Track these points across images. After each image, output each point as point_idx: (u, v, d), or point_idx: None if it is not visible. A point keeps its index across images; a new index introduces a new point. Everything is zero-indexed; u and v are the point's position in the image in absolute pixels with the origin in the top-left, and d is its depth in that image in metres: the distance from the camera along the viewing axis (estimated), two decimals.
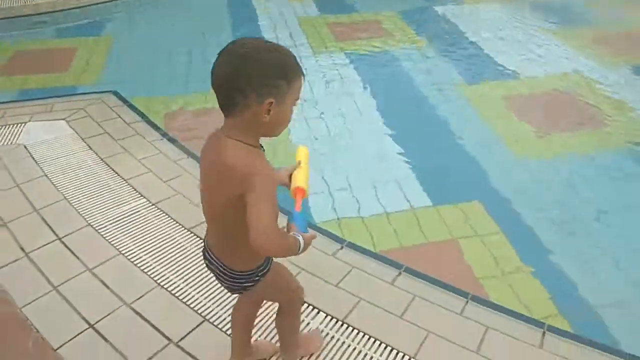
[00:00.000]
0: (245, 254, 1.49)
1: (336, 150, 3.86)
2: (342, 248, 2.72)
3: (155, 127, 3.79)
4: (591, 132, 4.11)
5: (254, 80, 1.27)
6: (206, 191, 1.50)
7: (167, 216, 2.86)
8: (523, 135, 4.08)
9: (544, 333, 2.25)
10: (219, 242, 1.55)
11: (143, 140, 3.60)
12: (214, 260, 1.58)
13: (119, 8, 6.49)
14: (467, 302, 2.41)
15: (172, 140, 3.65)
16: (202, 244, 1.67)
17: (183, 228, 2.78)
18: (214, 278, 1.66)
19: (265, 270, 1.59)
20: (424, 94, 4.73)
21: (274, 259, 1.66)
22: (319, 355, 2.09)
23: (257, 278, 1.57)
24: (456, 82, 4.94)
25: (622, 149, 3.92)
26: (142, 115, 3.94)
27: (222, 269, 1.56)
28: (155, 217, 2.86)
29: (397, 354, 2.11)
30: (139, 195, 3.02)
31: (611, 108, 4.45)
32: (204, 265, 1.67)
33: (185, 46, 5.65)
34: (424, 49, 5.66)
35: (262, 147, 1.43)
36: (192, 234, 2.74)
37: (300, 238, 1.42)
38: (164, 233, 2.74)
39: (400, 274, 2.56)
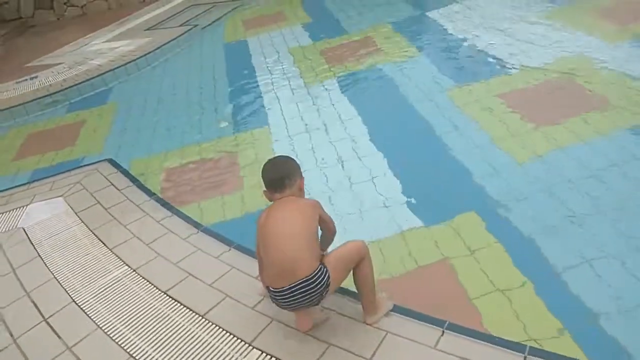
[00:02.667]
0: (316, 253, 2.17)
1: (323, 178, 3.80)
2: None
3: (145, 190, 3.89)
4: (595, 118, 3.80)
5: (293, 173, 2.37)
6: (287, 235, 2.15)
7: (145, 281, 2.89)
8: (519, 133, 3.85)
9: (525, 358, 2.06)
10: (298, 267, 2.09)
11: (131, 205, 3.69)
12: (298, 287, 2.08)
13: (121, 75, 6.78)
14: (442, 332, 2.26)
15: (159, 200, 3.73)
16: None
17: (160, 291, 2.80)
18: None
19: (325, 267, 2.15)
20: (415, 106, 4.58)
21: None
22: None
23: (325, 269, 2.13)
24: (448, 87, 4.77)
25: (629, 131, 3.60)
26: (133, 180, 4.06)
27: (307, 285, 2.09)
28: (134, 283, 2.90)
29: None
30: (122, 263, 3.08)
31: (614, 87, 4.14)
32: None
33: (185, 102, 5.84)
34: (416, 58, 5.53)
35: None
36: (168, 297, 2.75)
37: None
38: (141, 300, 2.77)
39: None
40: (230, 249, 3.04)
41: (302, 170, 2.47)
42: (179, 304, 2.68)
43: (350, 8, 7.83)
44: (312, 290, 2.09)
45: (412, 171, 3.74)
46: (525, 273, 2.67)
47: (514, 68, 4.81)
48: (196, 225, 3.34)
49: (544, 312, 2.45)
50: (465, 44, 5.62)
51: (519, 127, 3.91)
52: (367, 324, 2.34)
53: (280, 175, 2.33)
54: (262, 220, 2.29)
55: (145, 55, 7.10)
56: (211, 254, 3.01)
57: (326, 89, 5.31)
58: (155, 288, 2.83)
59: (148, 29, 8.43)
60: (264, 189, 2.38)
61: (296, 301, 2.12)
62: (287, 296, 2.11)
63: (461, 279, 2.72)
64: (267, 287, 2.22)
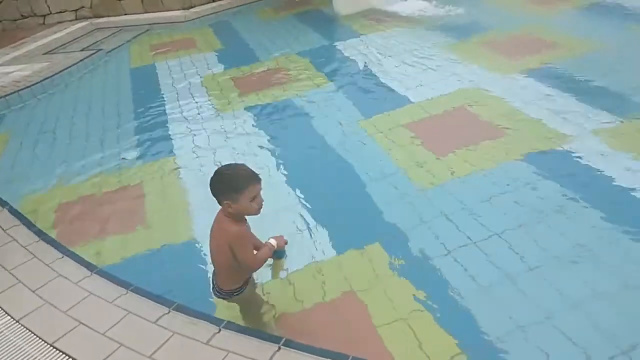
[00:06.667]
0: (231, 278, 2.48)
1: None
2: (219, 331, 2.53)
3: (34, 229, 3.58)
4: (489, 147, 4.05)
5: (218, 193, 2.32)
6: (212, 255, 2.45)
7: (29, 333, 2.63)
8: (423, 161, 4.01)
9: None
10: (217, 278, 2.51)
11: (17, 246, 3.38)
12: (214, 287, 2.52)
13: (14, 102, 6.28)
14: None
15: (49, 240, 3.45)
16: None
17: (45, 344, 2.55)
18: None
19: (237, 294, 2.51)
20: (326, 136, 4.65)
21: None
22: None
23: (235, 295, 2.50)
24: (357, 117, 4.89)
25: (520, 159, 3.86)
26: (21, 218, 3.72)
27: (216, 291, 2.52)
28: (16, 336, 2.63)
29: None
30: (3, 314, 2.79)
31: (506, 117, 4.46)
32: None
33: (85, 131, 5.50)
34: (325, 88, 5.63)
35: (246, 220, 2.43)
36: (55, 350, 2.51)
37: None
38: (24, 354, 2.51)
39: (279, 349, 2.38)
40: (127, 292, 2.85)
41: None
42: (66, 357, 2.46)
43: (262, 36, 7.88)
44: (218, 295, 2.53)
45: (322, 202, 3.76)
46: (425, 299, 2.76)
47: (417, 99, 5.03)
48: (89, 267, 3.11)
49: (443, 335, 2.53)
50: (370, 76, 5.82)
51: (421, 156, 4.08)
52: None
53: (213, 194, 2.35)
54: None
55: (42, 80, 6.66)
56: (105, 299, 2.81)
57: (237, 118, 5.25)
58: (40, 340, 2.58)
59: (47, 53, 7.93)
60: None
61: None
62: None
63: (367, 307, 2.75)
64: None
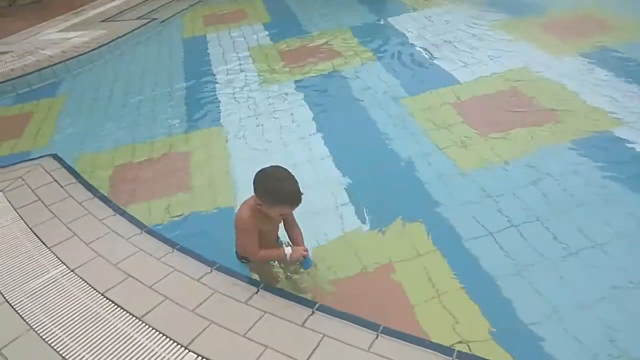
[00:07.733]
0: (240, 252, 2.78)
1: None
2: (257, 292, 2.65)
3: (89, 187, 3.79)
4: (537, 130, 3.96)
5: (257, 190, 2.48)
6: None
7: (83, 282, 2.83)
8: (467, 142, 3.97)
9: None
10: None
11: (74, 202, 3.60)
12: None
13: (73, 67, 6.57)
14: (377, 335, 2.31)
15: (103, 198, 3.65)
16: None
17: (97, 293, 2.74)
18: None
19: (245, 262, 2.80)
20: (369, 112, 4.65)
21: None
22: None
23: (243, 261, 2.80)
24: (402, 94, 4.86)
25: (568, 143, 3.76)
26: (77, 176, 3.95)
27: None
28: (71, 284, 2.83)
29: None
30: (59, 263, 3.00)
31: (556, 100, 4.33)
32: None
33: (138, 97, 5.70)
34: (372, 64, 5.60)
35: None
36: (105, 299, 2.70)
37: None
38: (78, 301, 2.71)
39: (313, 313, 2.48)
40: (173, 251, 3.01)
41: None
42: (116, 306, 2.64)
43: (312, 10, 7.85)
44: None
45: (362, 176, 3.80)
46: (462, 278, 2.77)
47: (465, 79, 4.94)
48: (140, 225, 3.29)
49: (477, 316, 2.54)
50: (420, 52, 5.73)
51: (466, 137, 4.03)
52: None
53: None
54: None
55: (100, 47, 6.91)
56: (154, 256, 2.97)
57: (283, 91, 5.31)
58: (92, 289, 2.77)
59: (104, 20, 8.20)
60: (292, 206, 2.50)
61: None
62: None
63: (403, 283, 2.79)
64: None
